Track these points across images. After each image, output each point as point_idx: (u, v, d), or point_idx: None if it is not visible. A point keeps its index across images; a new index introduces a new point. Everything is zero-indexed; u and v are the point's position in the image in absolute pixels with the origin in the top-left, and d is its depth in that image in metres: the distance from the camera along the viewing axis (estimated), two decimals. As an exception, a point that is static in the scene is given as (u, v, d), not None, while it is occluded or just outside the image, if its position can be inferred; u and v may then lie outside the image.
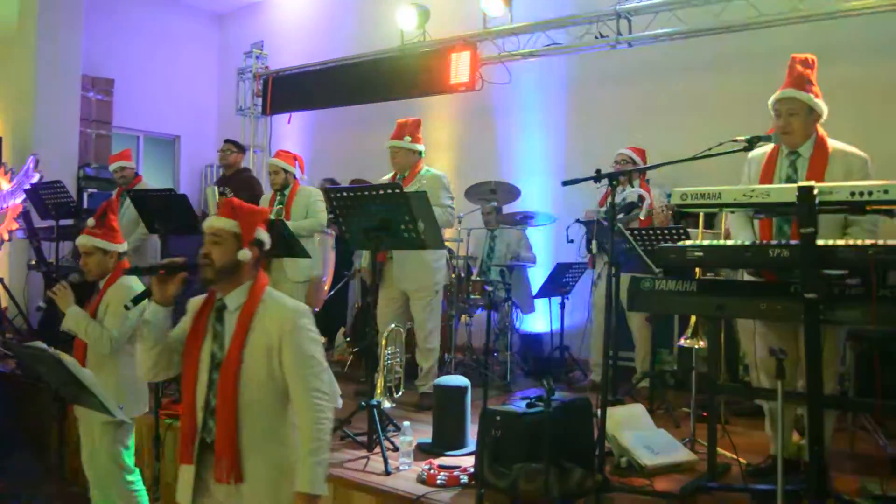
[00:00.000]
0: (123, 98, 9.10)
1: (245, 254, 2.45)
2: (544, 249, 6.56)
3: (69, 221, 6.68)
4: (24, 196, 6.74)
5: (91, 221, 3.59)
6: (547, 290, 6.09)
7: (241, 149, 6.98)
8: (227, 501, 2.43)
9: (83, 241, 3.58)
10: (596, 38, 6.12)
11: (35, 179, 6.84)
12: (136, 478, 3.62)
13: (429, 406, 4.77)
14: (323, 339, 2.59)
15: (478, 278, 6.04)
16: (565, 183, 3.27)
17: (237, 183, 6.56)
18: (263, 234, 2.55)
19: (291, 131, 9.05)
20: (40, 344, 2.99)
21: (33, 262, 6.90)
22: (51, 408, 5.38)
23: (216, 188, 6.30)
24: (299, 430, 2.41)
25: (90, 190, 8.31)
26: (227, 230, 2.46)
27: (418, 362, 4.98)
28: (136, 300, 3.01)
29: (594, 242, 4.29)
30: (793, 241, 3.04)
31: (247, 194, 6.30)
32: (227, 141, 6.94)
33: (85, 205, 7.90)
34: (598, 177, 3.31)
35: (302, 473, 2.33)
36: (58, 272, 6.57)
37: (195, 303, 2.57)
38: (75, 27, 8.26)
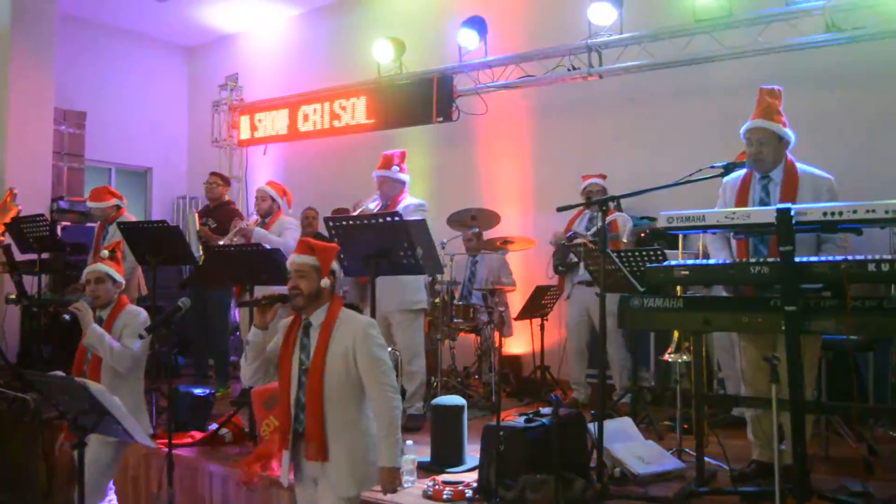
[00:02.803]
0: (95, 131, 9.10)
1: (326, 282, 3.02)
2: (523, 273, 6.76)
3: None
4: (3, 230, 6.71)
5: (105, 252, 3.80)
6: (527, 313, 6.29)
7: (227, 182, 7.07)
8: (316, 476, 2.99)
9: (99, 268, 3.82)
10: (568, 70, 6.39)
11: (13, 213, 6.81)
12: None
13: (416, 427, 4.93)
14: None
15: (459, 303, 6.20)
16: (560, 209, 3.49)
17: (221, 215, 6.65)
18: (335, 265, 3.11)
19: (266, 162, 9.15)
20: (60, 373, 3.11)
21: (12, 296, 6.85)
22: (36, 441, 5.40)
23: (196, 216, 6.41)
24: (375, 416, 2.97)
25: (63, 223, 8.28)
26: (308, 265, 3.01)
27: (403, 385, 5.11)
28: (150, 329, 3.24)
29: (582, 264, 4.49)
30: (770, 259, 3.30)
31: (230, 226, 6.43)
32: (212, 174, 7.02)
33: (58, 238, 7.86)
34: (589, 203, 3.54)
35: (383, 452, 2.92)
36: (39, 306, 6.56)
37: (285, 324, 3.12)
38: (47, 60, 8.27)
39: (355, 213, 4.82)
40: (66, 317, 3.73)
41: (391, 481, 2.94)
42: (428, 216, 5.04)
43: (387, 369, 2.97)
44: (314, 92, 8.19)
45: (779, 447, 2.75)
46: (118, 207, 6.31)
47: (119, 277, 3.87)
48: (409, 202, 5.04)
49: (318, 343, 2.97)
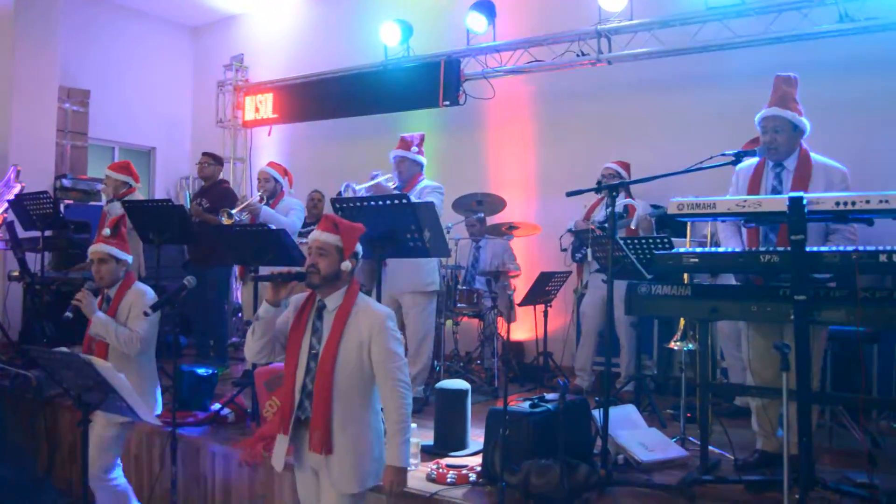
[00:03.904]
0: (99, 109, 9.03)
1: (347, 265, 2.85)
2: (527, 259, 6.74)
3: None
4: (6, 206, 6.69)
5: (107, 231, 3.75)
6: (531, 299, 6.28)
7: (219, 161, 7.03)
8: (318, 468, 2.84)
9: (100, 248, 3.75)
10: (577, 55, 6.35)
11: (17, 190, 6.79)
12: (119, 473, 3.87)
13: (415, 410, 4.92)
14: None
15: (463, 287, 6.19)
16: (569, 194, 3.46)
17: (215, 194, 6.62)
18: (359, 247, 2.93)
19: (271, 143, 9.11)
20: (65, 349, 3.09)
21: (15, 274, 6.84)
22: (38, 418, 5.40)
23: (188, 195, 6.40)
24: (385, 413, 2.81)
25: (66, 201, 8.26)
26: (331, 244, 2.84)
27: None
28: (155, 307, 3.21)
29: (589, 251, 4.48)
30: (780, 248, 3.28)
31: (224, 205, 6.40)
32: (204, 154, 6.97)
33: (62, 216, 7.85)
34: (599, 188, 3.51)
35: (391, 450, 2.78)
36: (42, 283, 6.55)
37: (297, 300, 2.96)
38: (52, 38, 8.23)
39: (370, 182, 4.79)
40: (69, 314, 3.63)
41: (399, 482, 2.78)
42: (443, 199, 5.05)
43: (402, 365, 2.82)
44: (321, 74, 8.14)
45: (787, 437, 2.74)
46: (129, 186, 6.26)
47: (123, 255, 3.79)
48: (426, 184, 5.03)
49: (333, 330, 2.80)
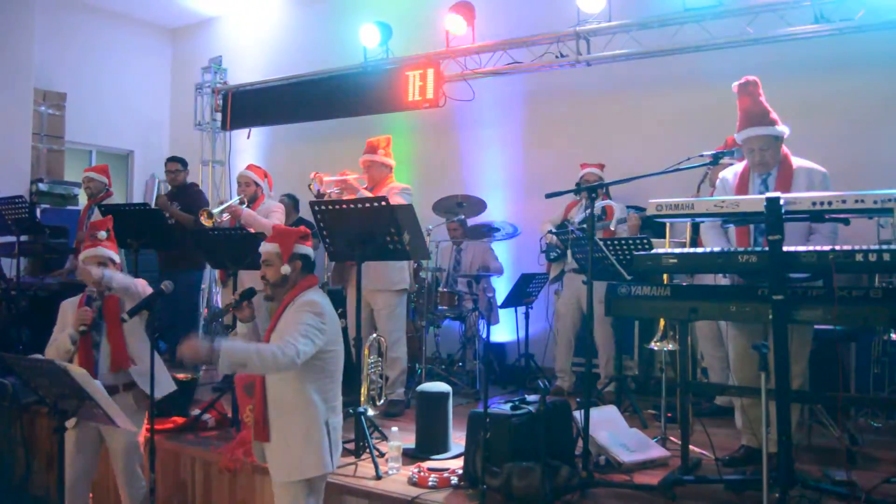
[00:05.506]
0: (76, 112, 8.93)
1: (286, 268, 3.00)
2: (508, 261, 6.74)
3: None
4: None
5: (103, 234, 3.67)
6: (512, 301, 6.28)
7: (185, 164, 6.98)
8: (265, 457, 3.04)
9: (103, 252, 3.66)
10: (556, 57, 6.36)
11: (-9, 195, 6.70)
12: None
13: (396, 413, 4.94)
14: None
15: (444, 289, 6.18)
16: (549, 195, 3.46)
17: (187, 197, 6.58)
18: (303, 249, 3.07)
19: (250, 146, 9.05)
20: (40, 356, 3.06)
21: (-13, 279, 6.73)
22: (15, 425, 5.32)
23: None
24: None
25: (43, 205, 8.16)
26: (272, 252, 3.02)
27: (384, 372, 5.09)
28: (132, 313, 3.18)
29: (569, 252, 4.48)
30: (757, 248, 3.30)
31: (197, 207, 6.36)
32: (172, 160, 6.91)
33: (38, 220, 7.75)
34: (578, 189, 3.51)
35: (235, 345, 2.78)
36: (18, 289, 6.45)
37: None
38: (27, 39, 8.13)
39: (336, 177, 4.79)
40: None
41: (195, 350, 2.67)
42: (413, 201, 5.02)
43: (306, 331, 2.81)
44: (299, 76, 8.10)
45: (766, 436, 2.75)
46: (107, 189, 6.27)
47: (118, 258, 3.77)
48: (393, 185, 5.01)
49: (270, 324, 3.00)
